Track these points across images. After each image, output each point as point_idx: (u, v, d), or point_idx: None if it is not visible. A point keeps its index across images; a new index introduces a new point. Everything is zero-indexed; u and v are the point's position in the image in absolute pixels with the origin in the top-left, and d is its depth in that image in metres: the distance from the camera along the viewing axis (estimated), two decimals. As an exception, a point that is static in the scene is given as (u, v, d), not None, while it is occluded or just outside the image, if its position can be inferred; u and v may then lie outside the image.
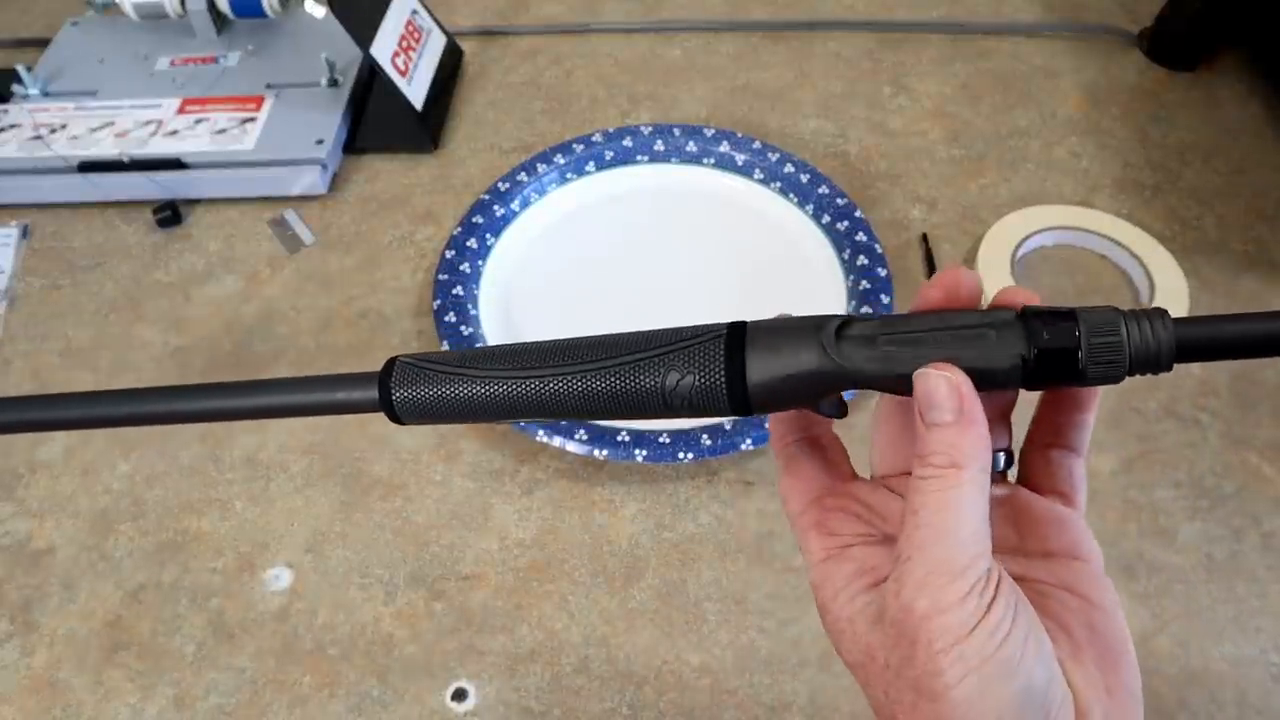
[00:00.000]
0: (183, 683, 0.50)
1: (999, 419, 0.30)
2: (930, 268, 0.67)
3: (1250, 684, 0.48)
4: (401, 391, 0.31)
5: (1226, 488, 0.56)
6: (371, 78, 0.80)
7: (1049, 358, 0.26)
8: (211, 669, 0.51)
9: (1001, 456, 0.29)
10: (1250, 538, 0.54)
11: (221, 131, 0.75)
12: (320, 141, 0.74)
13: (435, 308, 0.63)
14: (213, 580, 0.54)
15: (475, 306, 0.65)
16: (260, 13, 0.81)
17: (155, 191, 0.73)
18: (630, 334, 0.31)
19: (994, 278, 0.64)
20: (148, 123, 0.76)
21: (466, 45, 0.86)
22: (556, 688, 0.49)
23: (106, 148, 0.74)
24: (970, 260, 0.67)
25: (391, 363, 0.31)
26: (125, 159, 0.73)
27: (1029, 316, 0.26)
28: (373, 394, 0.31)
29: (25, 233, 0.73)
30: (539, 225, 0.71)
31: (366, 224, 0.73)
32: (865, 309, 0.61)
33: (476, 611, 0.52)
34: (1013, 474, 0.31)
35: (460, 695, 0.49)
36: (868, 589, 0.27)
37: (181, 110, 0.77)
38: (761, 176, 0.71)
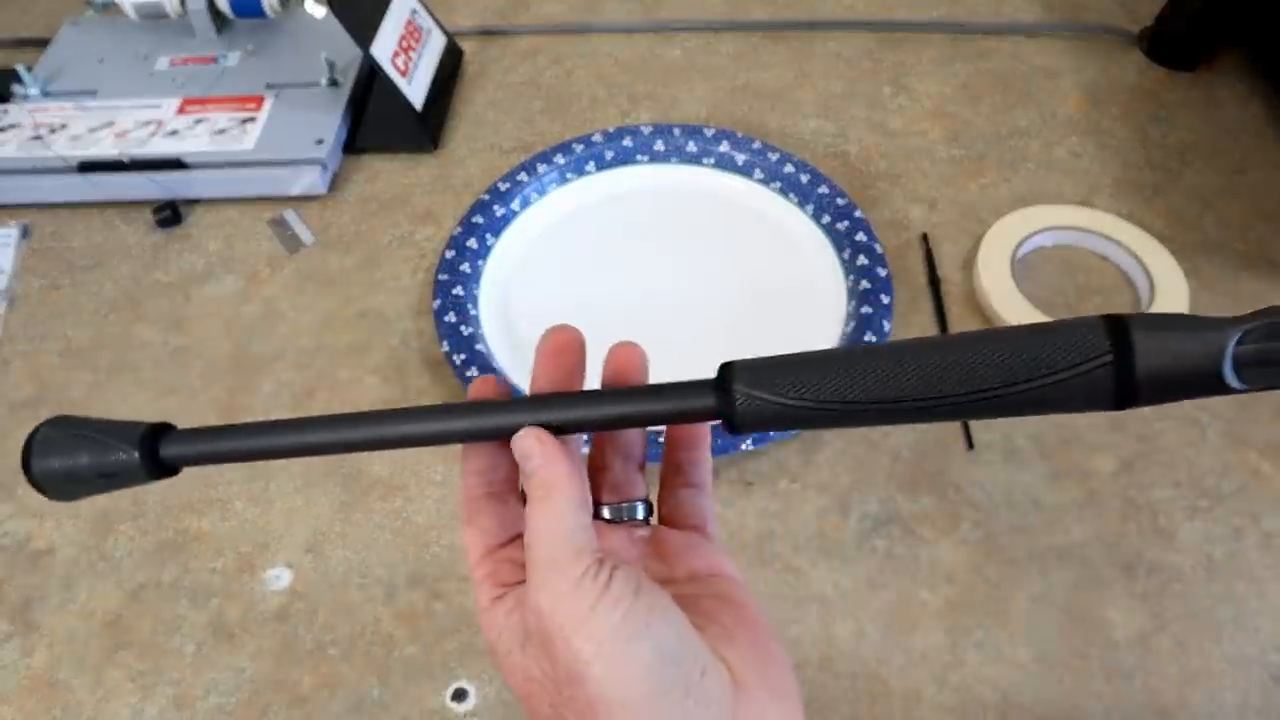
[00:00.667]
0: (183, 683, 0.50)
1: (635, 472, 0.34)
2: (930, 268, 0.67)
3: (1250, 684, 0.48)
4: (748, 405, 0.30)
5: (1226, 488, 0.56)
6: (371, 78, 0.80)
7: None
8: (211, 669, 0.51)
9: (640, 506, 0.34)
10: (1250, 538, 0.54)
11: (221, 131, 0.75)
12: (320, 141, 0.74)
13: (435, 308, 0.63)
14: (213, 580, 0.54)
15: (475, 306, 0.65)
16: (260, 13, 0.81)
17: (155, 191, 0.73)
18: (982, 341, 0.29)
19: (994, 278, 0.64)
20: (148, 123, 0.76)
21: (466, 45, 0.86)
22: (556, 688, 0.49)
23: (106, 148, 0.74)
24: (970, 260, 0.67)
25: (729, 371, 0.31)
26: (125, 159, 0.73)
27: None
28: (709, 404, 0.31)
29: (25, 233, 0.73)
30: (539, 225, 0.71)
31: (366, 224, 0.73)
32: (865, 309, 0.61)
33: (477, 611, 0.52)
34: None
35: (460, 695, 0.49)
36: (520, 623, 0.30)
37: (181, 110, 0.77)
38: (761, 176, 0.71)
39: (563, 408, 0.33)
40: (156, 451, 0.37)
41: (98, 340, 0.66)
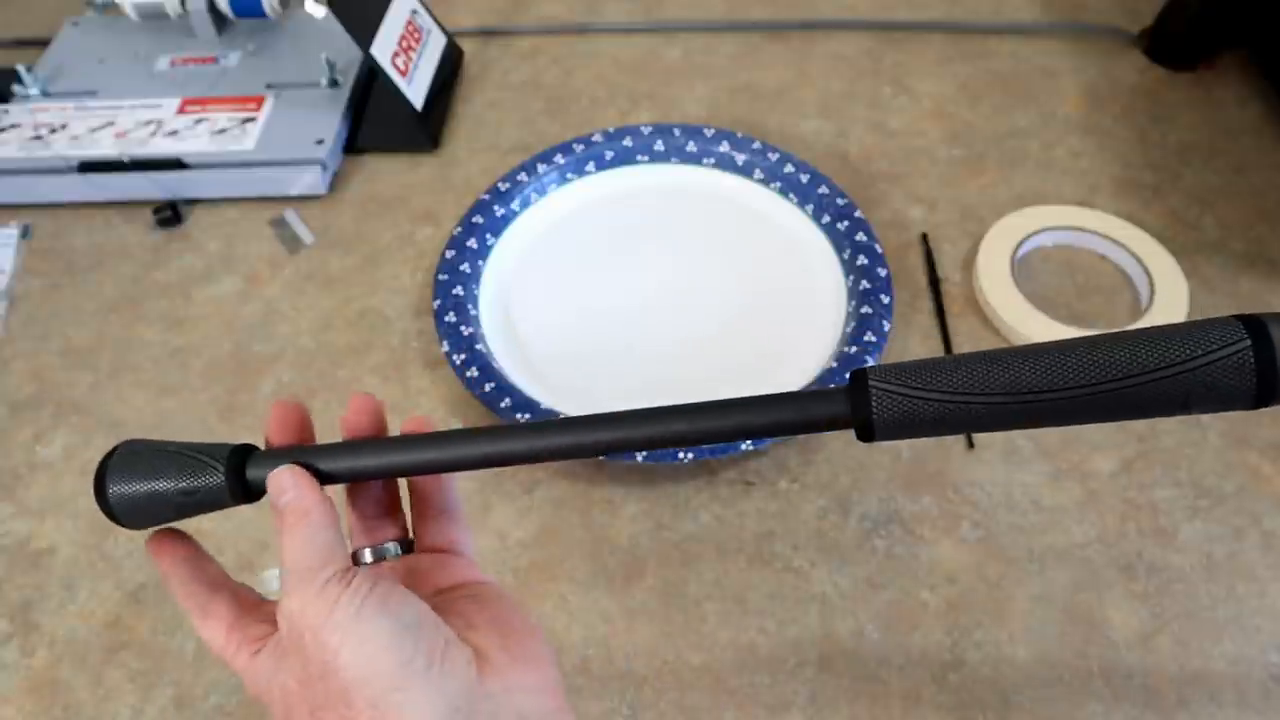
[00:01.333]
0: (183, 683, 0.50)
1: (387, 515, 0.38)
2: (930, 268, 0.67)
3: (1250, 684, 0.48)
4: (885, 412, 0.30)
5: (1226, 488, 0.56)
6: (371, 78, 0.80)
7: None
8: (212, 669, 0.51)
9: (393, 546, 0.37)
10: (1250, 537, 0.54)
11: (222, 131, 0.75)
12: (320, 141, 0.74)
13: (435, 308, 0.63)
14: (213, 580, 0.54)
15: (475, 306, 0.65)
16: (260, 13, 0.81)
17: (155, 191, 0.73)
18: (1113, 340, 0.29)
19: (994, 278, 0.64)
20: (148, 123, 0.76)
21: (466, 45, 0.86)
22: (556, 688, 0.49)
23: (106, 148, 0.74)
24: (970, 260, 0.67)
25: (863, 376, 0.31)
26: (125, 159, 0.73)
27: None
28: (844, 411, 0.31)
29: (25, 233, 0.73)
30: (539, 225, 0.71)
31: (366, 224, 0.73)
32: (864, 309, 0.61)
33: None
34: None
35: (460, 695, 0.49)
36: (275, 663, 0.32)
37: (181, 110, 0.77)
38: (761, 176, 0.71)
39: (693, 418, 0.34)
40: (243, 472, 0.36)
41: (98, 340, 0.66)
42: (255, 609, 0.35)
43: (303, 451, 0.36)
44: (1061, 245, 0.68)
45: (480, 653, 0.31)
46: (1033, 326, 0.62)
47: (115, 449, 0.36)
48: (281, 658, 0.32)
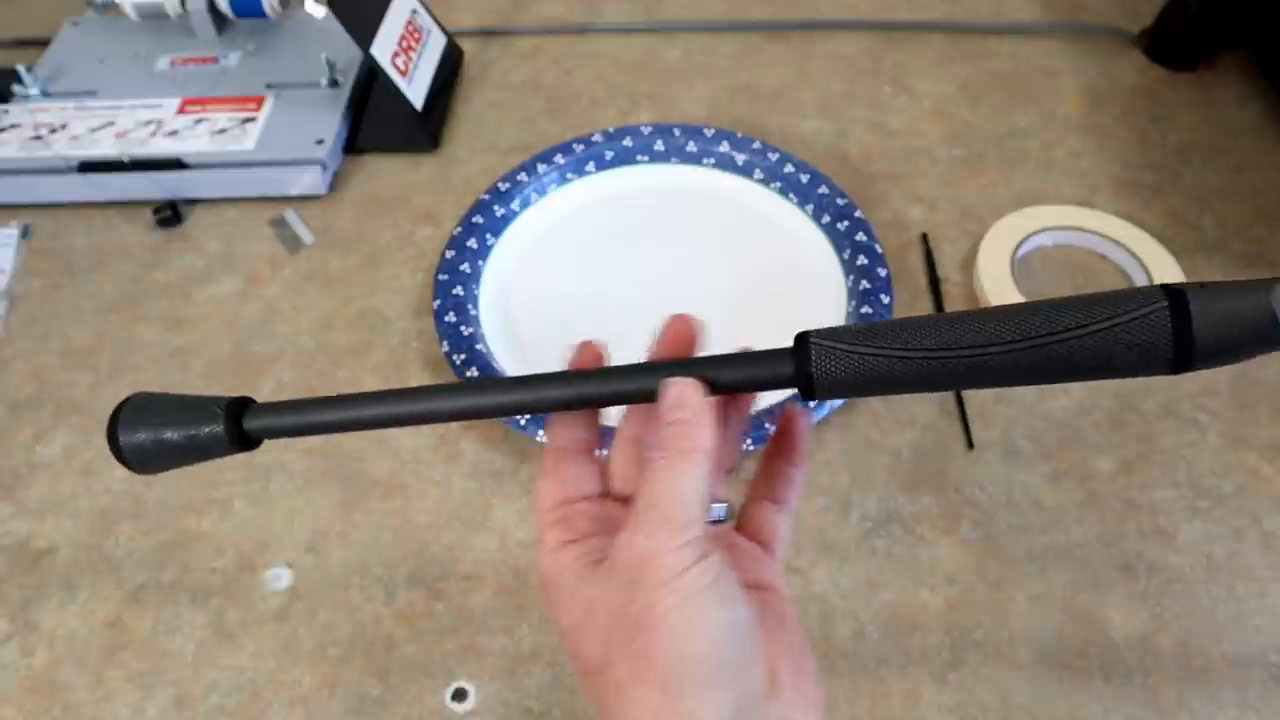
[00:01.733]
0: (183, 683, 0.50)
1: (722, 475, 0.36)
2: (930, 267, 0.67)
3: (1250, 684, 0.48)
4: (824, 368, 0.32)
5: (1226, 488, 0.56)
6: (371, 78, 0.80)
7: None
8: (211, 669, 0.51)
9: (722, 508, 0.35)
10: (1250, 538, 0.54)
11: (222, 131, 0.75)
12: (320, 141, 0.74)
13: (435, 308, 0.63)
14: (213, 580, 0.54)
15: (475, 306, 0.65)
16: (260, 13, 0.81)
17: (155, 191, 0.73)
18: (1045, 304, 0.31)
19: (994, 277, 0.64)
20: (148, 123, 0.76)
21: (466, 45, 0.86)
22: (556, 688, 0.49)
23: (106, 148, 0.74)
24: (970, 260, 0.67)
25: (805, 336, 0.32)
26: (125, 159, 0.73)
27: None
28: (787, 370, 0.33)
29: (25, 233, 0.73)
30: (539, 225, 0.71)
31: (366, 224, 0.73)
32: (865, 309, 0.61)
33: (476, 611, 0.52)
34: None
35: (460, 695, 0.49)
36: (591, 565, 0.32)
37: (181, 110, 0.77)
38: (761, 176, 0.71)
39: (638, 376, 0.35)
40: (240, 423, 0.38)
41: (98, 340, 0.66)
42: (585, 512, 0.34)
43: (305, 403, 0.38)
44: (1061, 245, 0.68)
45: (773, 677, 0.30)
46: None
47: (126, 400, 0.40)
48: (598, 573, 0.31)
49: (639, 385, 0.34)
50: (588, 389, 0.35)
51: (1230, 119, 0.77)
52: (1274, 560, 0.53)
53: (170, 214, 0.73)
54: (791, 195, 0.70)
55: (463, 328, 0.62)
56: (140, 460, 0.39)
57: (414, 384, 0.64)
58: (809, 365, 0.32)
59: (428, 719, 0.49)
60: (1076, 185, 0.73)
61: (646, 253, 0.69)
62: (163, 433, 0.39)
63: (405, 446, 0.59)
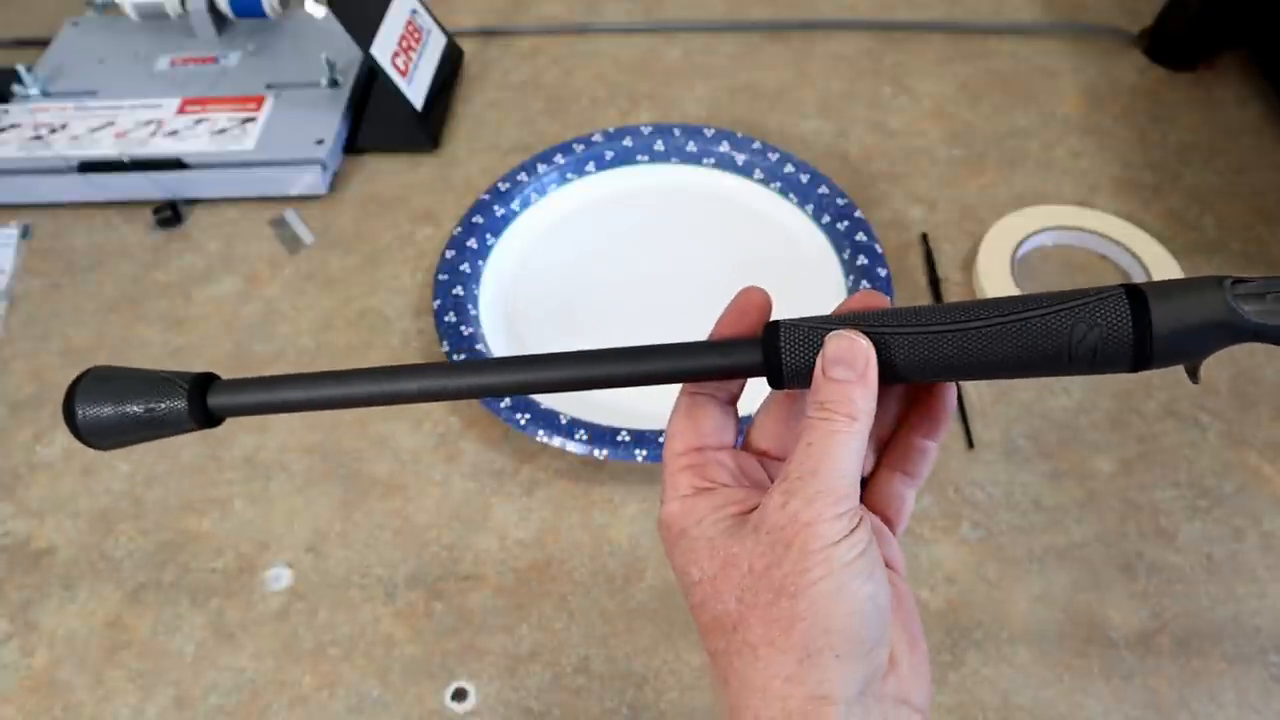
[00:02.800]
0: (183, 683, 0.50)
1: (871, 447, 0.35)
2: (930, 268, 0.67)
3: (1250, 683, 0.48)
4: (792, 358, 0.32)
5: (1226, 488, 0.56)
6: (371, 78, 0.80)
7: None
8: (211, 669, 0.51)
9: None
10: (1250, 538, 0.54)
11: (222, 131, 0.75)
12: (320, 141, 0.74)
13: (435, 308, 0.63)
14: (213, 580, 0.54)
15: (475, 306, 0.65)
16: (260, 13, 0.81)
17: (155, 191, 0.73)
18: (1020, 297, 0.31)
19: (994, 277, 0.64)
20: (148, 123, 0.76)
21: (466, 45, 0.86)
22: (556, 688, 0.49)
23: (106, 148, 0.74)
24: (970, 260, 0.67)
25: (775, 326, 0.33)
26: (125, 159, 0.73)
27: None
28: (756, 359, 0.33)
29: (25, 233, 0.73)
30: (539, 225, 0.71)
31: (366, 224, 0.73)
32: None
33: (476, 611, 0.52)
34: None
35: (460, 695, 0.49)
36: (732, 516, 0.31)
37: (181, 110, 0.77)
38: (761, 176, 0.71)
39: (612, 362, 0.36)
40: (204, 400, 0.38)
41: (98, 340, 0.66)
42: (720, 462, 0.33)
43: (272, 381, 0.37)
44: (1061, 245, 0.68)
45: (892, 655, 0.30)
46: None
47: (84, 373, 0.39)
48: (742, 530, 0.31)
49: (606, 370, 0.36)
50: (565, 371, 0.36)
51: (1230, 119, 0.77)
52: (1274, 560, 0.53)
53: (170, 214, 0.73)
54: (791, 195, 0.70)
55: (463, 328, 0.62)
56: (97, 434, 0.38)
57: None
58: (778, 353, 0.32)
59: (428, 719, 0.49)
60: (1076, 185, 0.73)
61: (646, 253, 0.69)
62: (122, 406, 0.38)
63: (405, 446, 0.59)
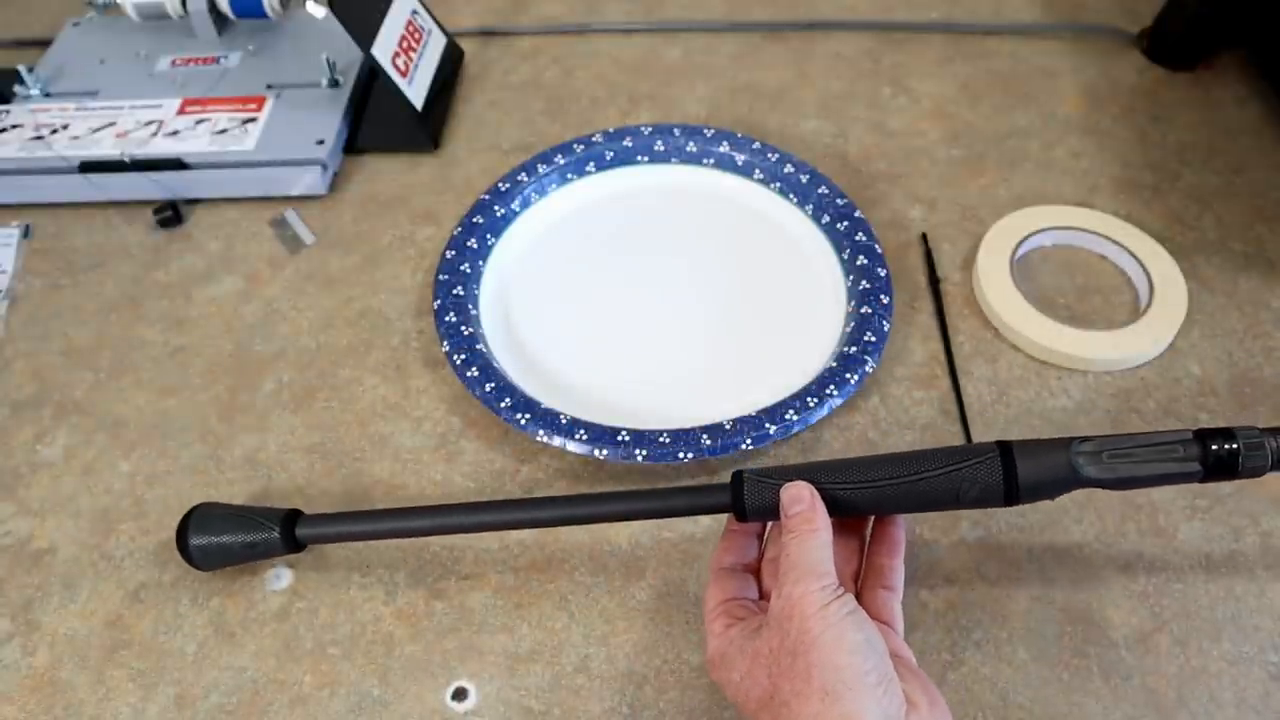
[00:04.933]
0: (183, 682, 0.51)
1: (849, 583, 0.46)
2: (930, 268, 0.67)
3: (1249, 683, 0.49)
4: (751, 499, 0.45)
5: (1225, 488, 0.56)
6: (372, 78, 0.80)
7: (1218, 465, 0.42)
8: (212, 668, 0.51)
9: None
10: (1249, 537, 0.54)
11: (222, 132, 0.75)
12: (321, 142, 0.74)
13: (435, 308, 0.63)
14: (213, 580, 0.54)
15: (475, 306, 0.65)
16: (261, 13, 0.81)
17: (156, 191, 0.73)
18: (918, 454, 0.44)
19: (993, 278, 0.64)
20: (148, 123, 0.76)
21: (467, 45, 0.86)
22: (556, 687, 0.50)
23: (107, 148, 0.74)
24: (970, 260, 0.67)
25: (740, 476, 0.45)
26: (126, 159, 0.73)
27: (1202, 435, 0.42)
28: (726, 500, 0.45)
29: (26, 232, 0.74)
30: (539, 225, 0.71)
31: (367, 224, 0.73)
32: (864, 309, 0.62)
33: (476, 611, 0.52)
34: None
35: (460, 695, 0.50)
36: (754, 630, 0.41)
37: (182, 110, 0.77)
38: (761, 176, 0.72)
39: (610, 502, 0.48)
40: (293, 531, 0.51)
41: (99, 340, 0.66)
42: (743, 605, 0.44)
43: (341, 517, 0.52)
44: (1061, 245, 0.69)
45: (910, 701, 0.37)
46: (1032, 327, 0.62)
47: (192, 510, 0.52)
48: (758, 631, 0.40)
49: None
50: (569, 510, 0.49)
51: (1229, 119, 0.77)
52: (1272, 560, 0.53)
53: (171, 214, 0.73)
54: (791, 195, 0.70)
55: (463, 328, 0.62)
56: (204, 560, 0.52)
57: (413, 384, 0.64)
58: (742, 497, 0.44)
59: (428, 718, 0.49)
60: (1076, 185, 0.73)
61: (646, 253, 0.69)
62: (224, 539, 0.51)
63: (405, 446, 0.59)
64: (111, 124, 0.76)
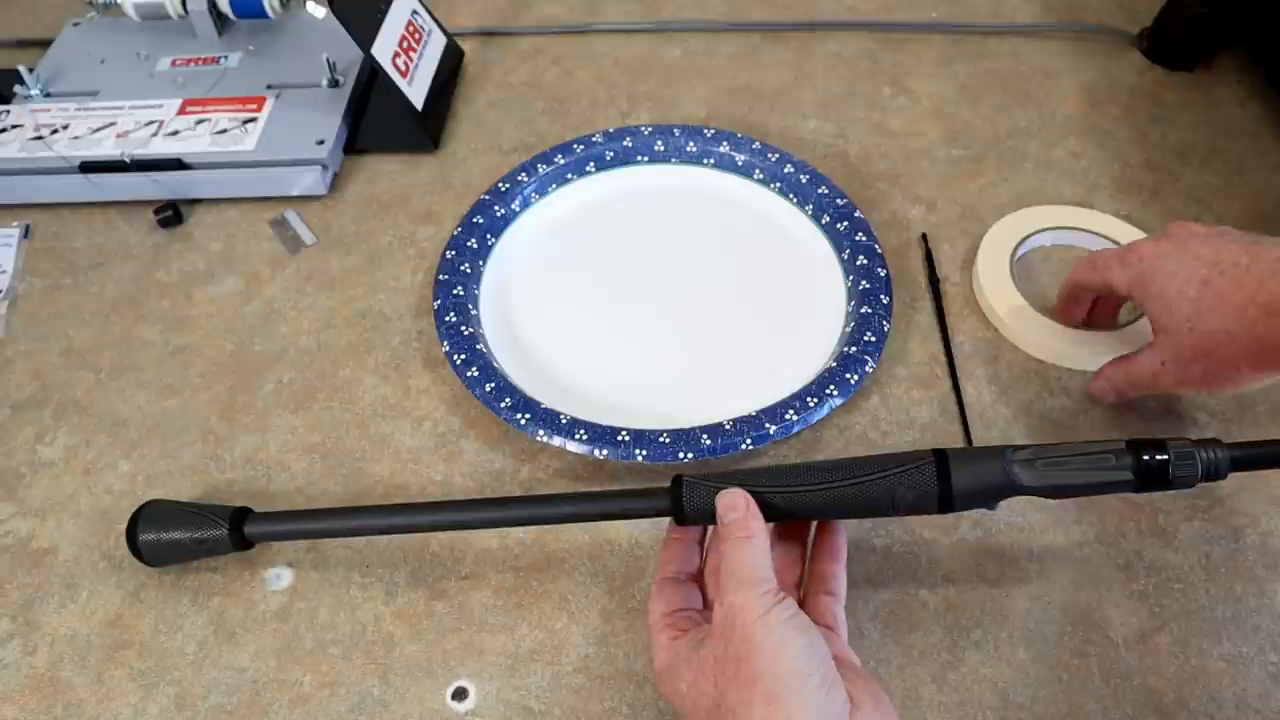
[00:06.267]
0: (184, 682, 0.51)
1: (793, 589, 0.47)
2: (930, 268, 0.67)
3: (1249, 683, 0.49)
4: (690, 502, 0.45)
5: (1225, 488, 0.56)
6: (372, 78, 0.80)
7: (1149, 474, 0.42)
8: (213, 668, 0.51)
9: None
10: (1249, 537, 0.54)
11: (222, 132, 0.75)
12: (321, 142, 0.74)
13: (435, 308, 0.63)
14: (213, 580, 0.54)
15: (476, 306, 0.65)
16: (261, 13, 0.81)
17: (156, 192, 0.73)
18: (855, 460, 0.45)
19: (993, 278, 0.64)
20: (149, 123, 0.76)
21: (467, 45, 0.86)
22: (556, 687, 0.50)
23: (108, 148, 0.74)
24: (970, 260, 0.67)
25: (679, 480, 0.46)
26: (126, 159, 0.73)
27: (1135, 445, 0.42)
28: (665, 504, 0.46)
29: (26, 232, 0.74)
30: (539, 225, 0.71)
31: (367, 224, 0.73)
32: (864, 309, 0.62)
33: (476, 611, 0.52)
34: None
35: (460, 694, 0.50)
36: (698, 641, 0.41)
37: (182, 111, 0.77)
38: (761, 177, 0.72)
39: (552, 504, 0.49)
40: (241, 528, 0.51)
41: (99, 340, 0.66)
42: (688, 616, 0.44)
43: (289, 515, 0.52)
44: (1060, 245, 0.69)
45: (854, 701, 0.38)
46: (1031, 327, 0.62)
47: (142, 506, 0.52)
48: (702, 641, 0.41)
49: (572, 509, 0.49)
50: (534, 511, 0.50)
51: (1229, 119, 0.77)
52: (1272, 560, 0.53)
53: (171, 214, 0.73)
54: (791, 195, 0.70)
55: (463, 328, 0.62)
56: (153, 556, 0.52)
57: (413, 384, 0.64)
58: (682, 501, 0.45)
59: (428, 718, 0.49)
60: (1076, 185, 0.73)
61: (647, 253, 0.69)
62: (174, 535, 0.51)
63: (405, 446, 0.59)
64: (112, 124, 0.76)
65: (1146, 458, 0.42)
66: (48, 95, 0.79)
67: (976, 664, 0.50)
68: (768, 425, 0.56)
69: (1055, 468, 0.42)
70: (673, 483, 0.46)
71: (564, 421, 0.56)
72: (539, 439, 0.56)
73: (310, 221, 0.73)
